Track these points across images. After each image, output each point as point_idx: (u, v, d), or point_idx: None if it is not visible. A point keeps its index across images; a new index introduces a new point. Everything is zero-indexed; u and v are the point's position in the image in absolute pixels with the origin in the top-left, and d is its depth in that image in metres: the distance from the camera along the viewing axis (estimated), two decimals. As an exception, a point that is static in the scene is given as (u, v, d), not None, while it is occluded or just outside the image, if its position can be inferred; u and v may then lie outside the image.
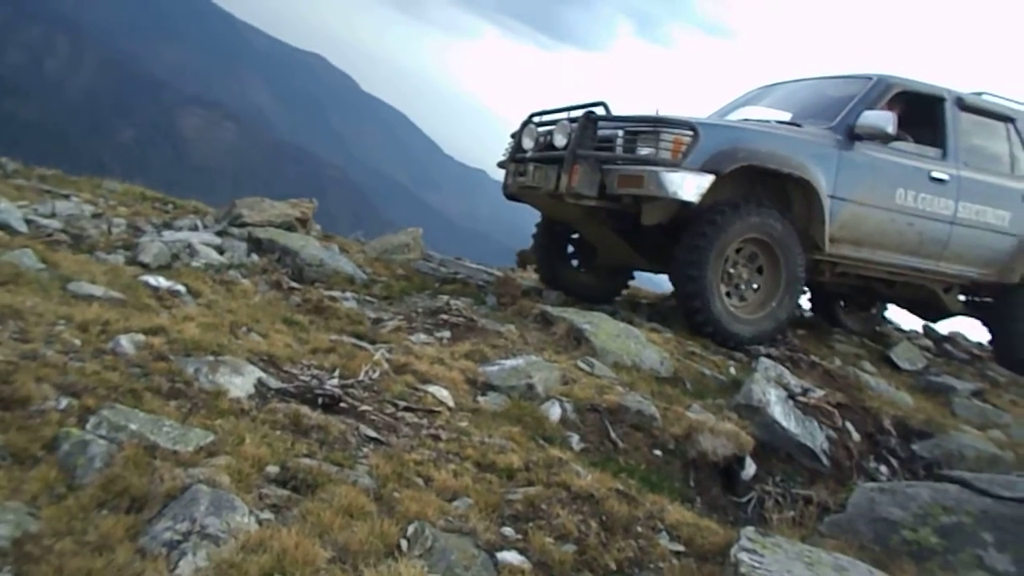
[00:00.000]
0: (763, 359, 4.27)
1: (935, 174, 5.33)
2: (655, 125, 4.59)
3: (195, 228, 5.57)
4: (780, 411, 3.71)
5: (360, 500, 1.82)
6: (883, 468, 3.71)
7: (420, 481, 2.09)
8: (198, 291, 3.67)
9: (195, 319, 3.15)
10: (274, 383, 2.55)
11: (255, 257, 4.96)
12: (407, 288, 4.98)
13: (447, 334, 3.94)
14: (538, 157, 5.04)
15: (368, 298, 4.61)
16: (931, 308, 6.18)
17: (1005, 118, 5.87)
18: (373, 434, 2.36)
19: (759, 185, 4.86)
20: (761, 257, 4.82)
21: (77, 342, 2.49)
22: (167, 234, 5.08)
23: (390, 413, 2.66)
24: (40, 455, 1.75)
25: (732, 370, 4.33)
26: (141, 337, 2.59)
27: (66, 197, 6.30)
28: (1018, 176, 5.77)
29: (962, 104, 5.66)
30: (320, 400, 2.47)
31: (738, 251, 4.75)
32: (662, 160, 4.45)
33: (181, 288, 3.59)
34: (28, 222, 4.32)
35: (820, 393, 3.94)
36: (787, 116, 5.41)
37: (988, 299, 6.04)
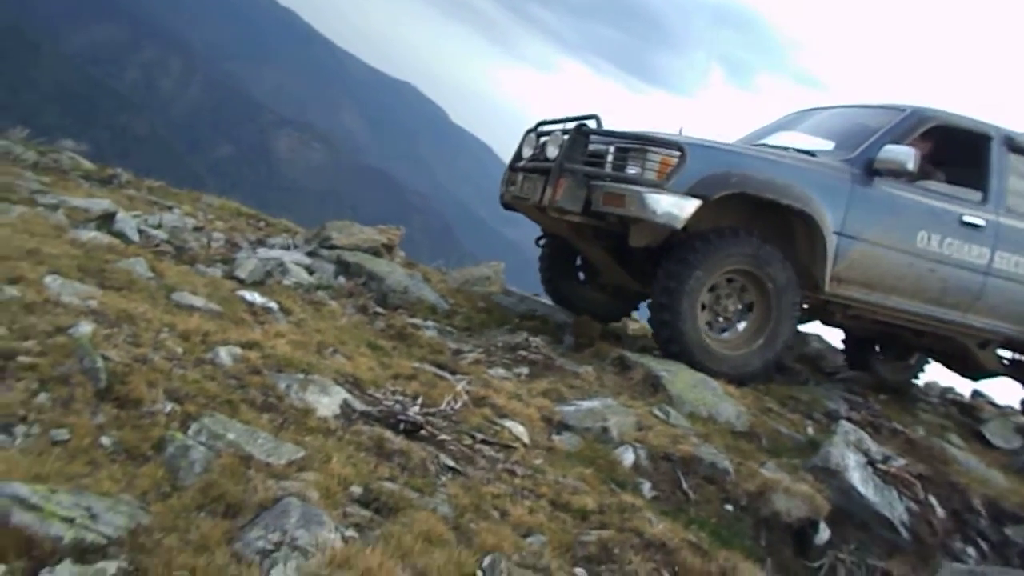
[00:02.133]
0: (843, 422, 4.16)
1: (968, 218, 4.95)
2: (644, 143, 4.40)
3: (287, 247, 5.79)
4: (859, 477, 3.62)
5: (439, 528, 1.87)
6: (971, 550, 3.55)
7: (496, 514, 2.13)
8: (289, 309, 3.83)
9: (286, 336, 3.28)
10: (359, 405, 2.64)
11: (342, 279, 5.12)
12: (487, 321, 5.05)
13: (525, 370, 3.99)
14: (530, 167, 4.91)
15: (449, 328, 4.70)
16: (966, 364, 5.71)
17: None
18: (452, 464, 2.41)
19: (761, 216, 4.63)
20: (751, 291, 4.59)
21: (180, 350, 2.64)
22: (261, 251, 5.30)
23: (468, 444, 2.72)
24: (149, 454, 1.86)
25: (810, 430, 4.24)
26: (238, 350, 2.73)
27: (170, 209, 6.68)
28: None
29: (1012, 144, 5.22)
30: (402, 426, 2.54)
31: (729, 282, 4.54)
32: (647, 180, 4.27)
33: (274, 305, 3.74)
34: (140, 232, 4.58)
35: (902, 462, 3.82)
36: (827, 144, 5.10)
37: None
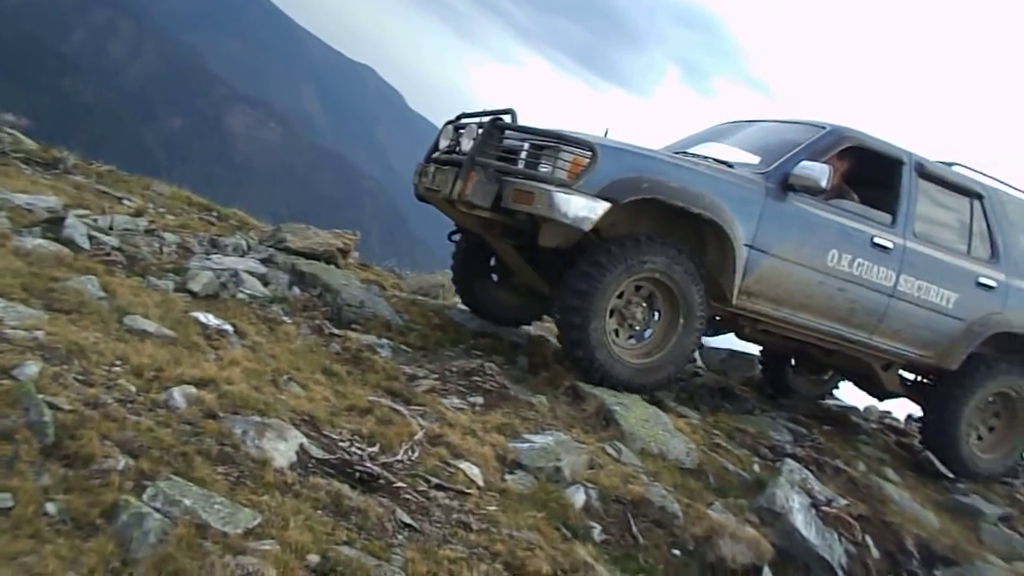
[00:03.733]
0: (788, 461, 4.27)
1: (878, 240, 5.01)
2: (556, 141, 4.35)
3: (241, 252, 5.69)
4: (802, 520, 3.72)
5: (396, 601, 1.86)
6: (902, 595, 3.69)
7: (452, 582, 2.13)
8: (244, 331, 3.76)
9: (240, 364, 3.24)
10: (316, 451, 2.61)
11: (297, 291, 5.05)
12: (442, 340, 5.04)
13: (480, 400, 3.99)
14: (443, 159, 4.84)
15: (404, 347, 4.68)
16: (872, 384, 5.83)
17: (972, 194, 5.51)
18: (408, 519, 2.41)
19: (676, 225, 4.61)
20: (659, 299, 4.57)
21: (133, 388, 2.58)
22: (215, 259, 5.19)
23: (423, 491, 2.72)
24: (99, 523, 1.82)
25: (756, 467, 4.33)
26: (192, 390, 2.67)
27: (120, 200, 6.50)
28: (974, 258, 5.42)
29: (922, 171, 5.31)
30: (359, 475, 2.53)
31: (637, 289, 4.53)
32: (557, 179, 4.21)
33: (228, 328, 3.68)
34: (90, 238, 4.45)
35: (843, 503, 3.94)
36: (753, 158, 5.07)
37: (928, 381, 5.74)
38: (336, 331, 4.42)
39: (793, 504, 3.76)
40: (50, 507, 1.80)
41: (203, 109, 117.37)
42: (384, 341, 4.59)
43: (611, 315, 4.48)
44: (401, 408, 3.45)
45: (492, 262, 5.79)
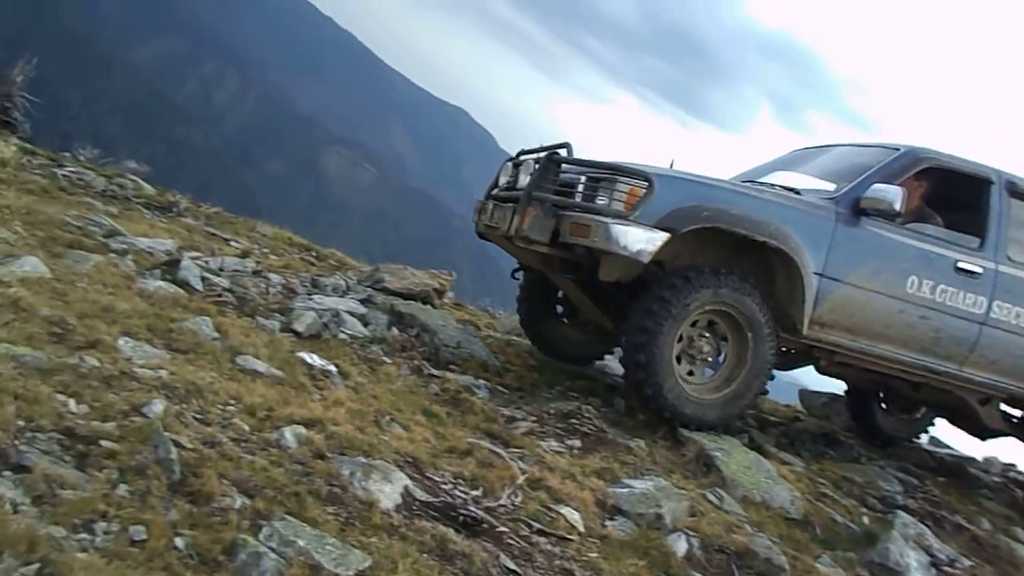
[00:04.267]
0: (900, 513, 4.06)
1: (964, 264, 4.72)
2: (612, 173, 4.28)
3: (341, 292, 5.86)
4: (921, 579, 3.52)
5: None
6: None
7: (558, 632, 2.11)
8: (346, 372, 3.86)
9: (344, 404, 3.32)
10: (420, 493, 2.64)
11: (395, 331, 5.16)
12: (538, 381, 5.04)
13: (578, 443, 3.96)
14: (502, 196, 4.78)
15: (501, 388, 4.70)
16: (969, 421, 5.40)
17: None
18: (512, 565, 2.40)
19: (742, 255, 4.45)
20: (727, 333, 4.38)
21: (247, 427, 2.68)
22: (317, 299, 5.36)
23: (525, 536, 2.71)
24: (221, 559, 1.88)
25: (865, 519, 4.14)
26: (302, 430, 2.76)
27: (227, 242, 6.83)
28: None
29: (1014, 189, 4.96)
30: (462, 518, 2.54)
31: (710, 323, 4.37)
32: (613, 211, 4.11)
33: (332, 368, 3.78)
34: (203, 280, 4.68)
35: (967, 563, 3.70)
36: (828, 185, 4.83)
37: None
38: (435, 372, 4.48)
39: (910, 561, 3.56)
40: (179, 542, 1.88)
41: (299, 151, 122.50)
42: (481, 382, 4.63)
43: (678, 353, 4.34)
44: (500, 450, 3.45)
45: (558, 298, 5.73)
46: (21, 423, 2.09)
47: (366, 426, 3.16)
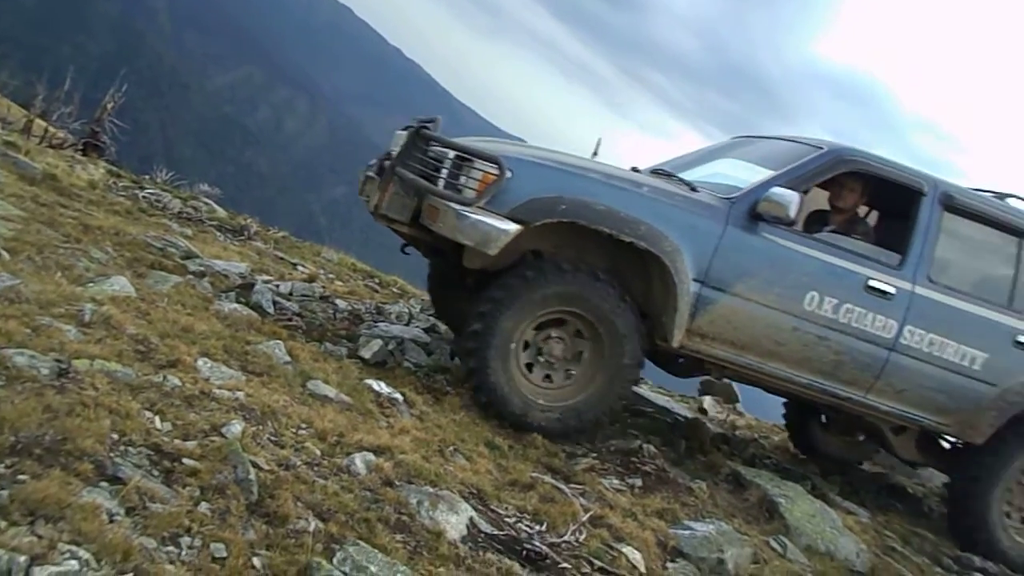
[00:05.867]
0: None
1: (876, 283, 4.26)
2: (470, 155, 3.96)
3: (405, 320, 5.96)
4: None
5: None
6: None
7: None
8: (412, 400, 3.92)
9: (410, 432, 3.38)
10: (485, 526, 2.67)
11: (458, 360, 5.22)
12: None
13: (639, 482, 3.94)
14: (377, 169, 4.39)
15: (560, 423, 4.70)
16: (890, 448, 4.93)
17: (1022, 233, 4.59)
18: (575, 603, 2.40)
19: (623, 255, 4.08)
20: (585, 336, 4.05)
21: (318, 452, 2.75)
22: (382, 326, 5.47)
23: (587, 573, 2.72)
24: (296, 582, 1.94)
25: (937, 577, 4.00)
26: (371, 457, 2.82)
27: (294, 267, 7.03)
28: (1017, 312, 4.52)
29: (950, 203, 4.45)
30: (526, 553, 2.56)
31: (560, 324, 4.03)
32: (465, 197, 3.83)
33: (399, 396, 3.85)
34: (275, 303, 4.82)
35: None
36: (767, 172, 4.40)
37: (952, 452, 4.83)
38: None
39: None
40: (256, 561, 1.95)
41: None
42: (542, 415, 4.64)
43: (525, 348, 4.04)
44: (562, 486, 3.46)
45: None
46: (115, 436, 2.19)
47: (431, 455, 3.21)
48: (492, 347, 3.90)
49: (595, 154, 4.96)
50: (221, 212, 8.55)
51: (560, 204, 3.83)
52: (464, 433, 3.74)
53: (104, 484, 1.97)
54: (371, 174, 4.42)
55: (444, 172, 4.02)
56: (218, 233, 7.44)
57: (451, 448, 3.45)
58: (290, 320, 4.77)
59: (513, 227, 3.78)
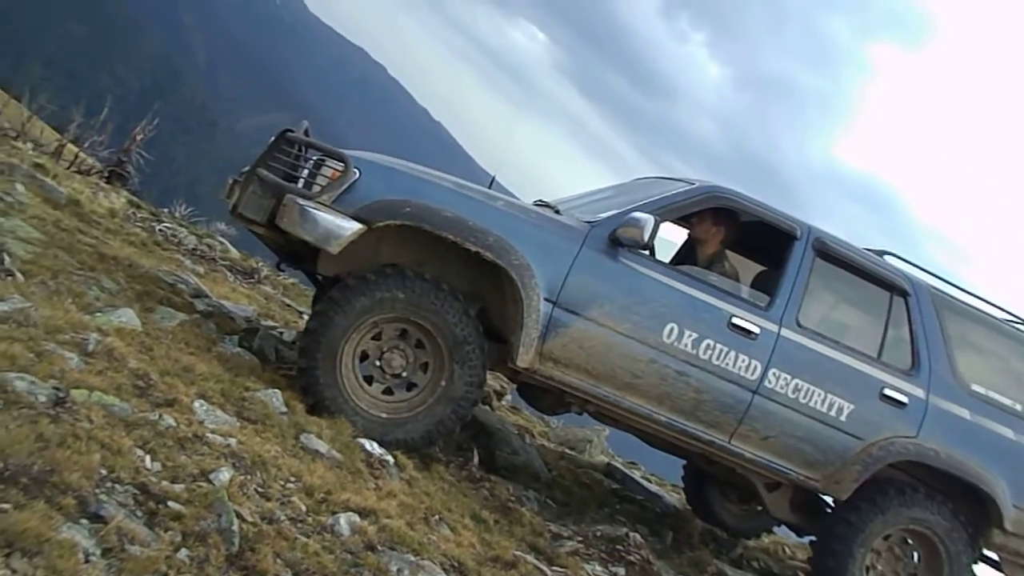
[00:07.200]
0: None
1: (739, 322, 4.15)
2: (322, 154, 4.01)
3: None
4: None
5: None
6: None
7: None
8: (402, 464, 3.88)
9: (397, 496, 3.34)
10: (463, 603, 2.61)
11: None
12: (587, 499, 4.98)
13: (622, 571, 3.88)
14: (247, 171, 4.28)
15: (550, 501, 4.66)
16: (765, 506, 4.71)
17: (896, 289, 4.54)
18: None
19: (481, 267, 3.96)
20: (429, 350, 3.93)
21: (304, 508, 2.72)
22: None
23: (561, 665, 2.64)
24: (267, 642, 1.90)
25: None
26: (356, 519, 2.79)
27: (300, 315, 7.05)
28: (885, 365, 4.42)
29: (823, 250, 4.41)
30: (501, 636, 2.50)
31: (402, 334, 3.93)
32: (313, 194, 3.81)
33: (390, 459, 3.81)
34: (276, 351, 4.83)
35: None
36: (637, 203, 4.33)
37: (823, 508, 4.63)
38: (488, 475, 4.47)
39: None
40: (229, 617, 1.91)
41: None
42: (532, 493, 4.60)
43: (364, 359, 3.95)
44: (544, 568, 3.40)
45: None
46: (104, 472, 2.18)
47: (416, 522, 3.16)
48: (322, 349, 3.83)
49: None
50: (234, 252, 8.64)
51: (405, 207, 3.80)
52: (451, 503, 3.70)
53: (84, 521, 1.95)
54: (238, 178, 4.35)
55: (304, 172, 4.04)
56: (229, 274, 7.51)
57: (436, 517, 3.41)
58: (291, 369, 4.76)
59: (355, 226, 3.75)
